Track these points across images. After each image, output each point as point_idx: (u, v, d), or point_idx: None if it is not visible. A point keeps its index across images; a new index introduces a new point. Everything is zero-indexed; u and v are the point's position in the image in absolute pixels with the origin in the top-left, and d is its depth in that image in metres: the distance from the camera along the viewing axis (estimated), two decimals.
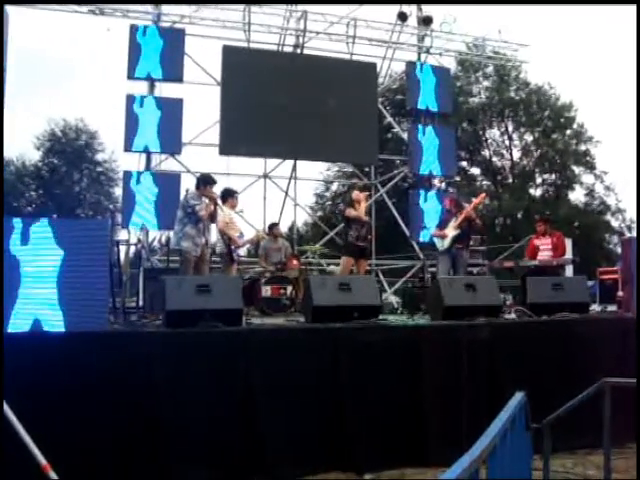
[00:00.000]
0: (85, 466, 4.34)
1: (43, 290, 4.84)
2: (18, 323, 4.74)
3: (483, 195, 10.32)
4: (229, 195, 8.83)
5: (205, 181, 7.96)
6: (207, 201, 7.82)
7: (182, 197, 7.87)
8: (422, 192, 14.88)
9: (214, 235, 8.58)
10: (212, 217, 7.95)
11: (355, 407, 5.22)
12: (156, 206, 12.30)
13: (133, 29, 12.78)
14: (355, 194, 9.07)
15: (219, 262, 8.93)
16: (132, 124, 12.43)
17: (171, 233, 10.71)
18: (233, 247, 8.48)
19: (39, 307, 4.83)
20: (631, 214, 31.28)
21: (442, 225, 9.28)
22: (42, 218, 5.00)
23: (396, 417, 5.31)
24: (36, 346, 4.48)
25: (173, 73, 12.89)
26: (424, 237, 13.87)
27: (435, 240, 9.25)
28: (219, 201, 8.15)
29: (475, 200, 9.51)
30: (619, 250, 24.41)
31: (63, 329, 4.81)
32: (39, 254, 4.86)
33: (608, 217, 31.77)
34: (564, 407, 3.64)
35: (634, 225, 30.92)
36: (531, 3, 27.67)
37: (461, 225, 8.88)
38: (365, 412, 5.21)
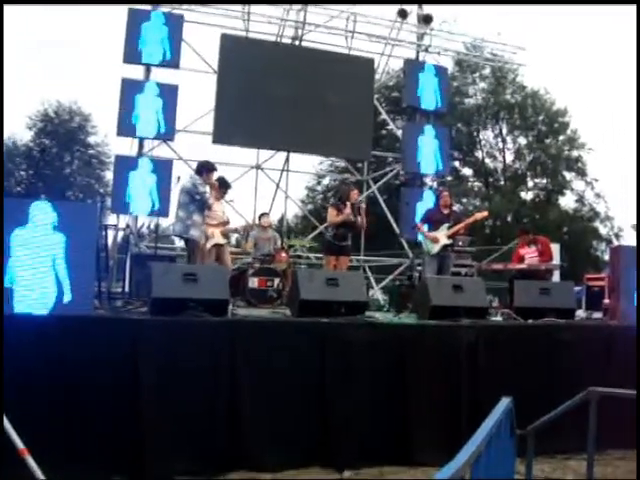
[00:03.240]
0: (65, 451, 4.32)
1: (40, 272, 4.83)
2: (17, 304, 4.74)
3: (485, 214, 10.06)
4: (221, 185, 8.75)
5: (208, 168, 7.89)
6: (208, 188, 7.79)
7: (186, 182, 7.74)
8: (414, 190, 14.87)
9: None
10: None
11: (338, 404, 5.21)
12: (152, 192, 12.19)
13: (131, 13, 12.67)
14: (353, 193, 8.83)
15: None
16: (126, 108, 12.32)
17: (160, 220, 10.68)
18: None
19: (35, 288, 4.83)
20: (619, 222, 31.47)
21: (428, 220, 8.93)
22: (43, 200, 4.97)
23: (379, 415, 5.31)
24: (18, 329, 4.43)
25: (170, 59, 12.79)
26: (414, 236, 13.81)
27: (422, 241, 8.92)
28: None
29: (477, 215, 9.31)
30: (607, 257, 24.62)
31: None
32: (38, 237, 4.84)
33: (597, 224, 31.89)
34: (550, 414, 3.64)
35: (622, 233, 31.12)
36: (530, 3, 27.59)
37: (454, 235, 8.66)
38: (348, 409, 5.20)
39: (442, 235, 8.59)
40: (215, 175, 8.06)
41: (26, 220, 4.81)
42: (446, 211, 8.92)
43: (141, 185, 12.18)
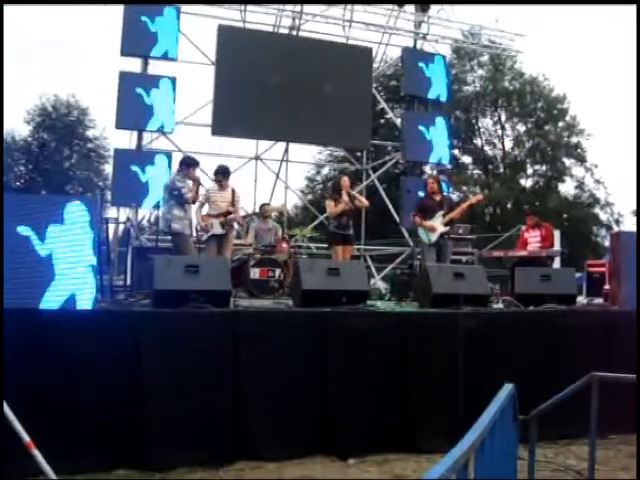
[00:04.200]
0: (68, 444, 4.33)
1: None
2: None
3: (480, 197, 10.08)
4: (217, 173, 8.81)
5: (187, 163, 8.00)
6: (189, 183, 7.84)
7: (166, 179, 7.92)
8: (414, 179, 14.85)
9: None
10: (194, 199, 7.99)
11: (341, 392, 5.23)
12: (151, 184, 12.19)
13: (128, 5, 12.63)
14: (343, 181, 8.85)
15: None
16: (124, 101, 12.30)
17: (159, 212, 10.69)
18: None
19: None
20: (619, 208, 31.52)
21: (422, 210, 8.82)
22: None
23: (382, 403, 5.33)
24: (20, 323, 4.43)
25: (167, 51, 12.76)
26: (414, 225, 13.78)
27: (420, 231, 8.79)
28: (202, 183, 8.17)
29: (472, 199, 9.33)
30: (607, 243, 24.67)
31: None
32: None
33: (597, 210, 31.93)
34: (552, 400, 3.65)
35: (622, 219, 31.18)
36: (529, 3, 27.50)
37: (450, 222, 8.63)
38: (351, 397, 5.23)
39: (438, 223, 8.54)
40: (197, 170, 8.11)
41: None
42: (437, 197, 8.85)
43: (141, 178, 12.18)
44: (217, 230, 8.46)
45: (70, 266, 4.90)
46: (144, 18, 12.54)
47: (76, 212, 4.95)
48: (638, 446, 3.75)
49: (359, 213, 12.70)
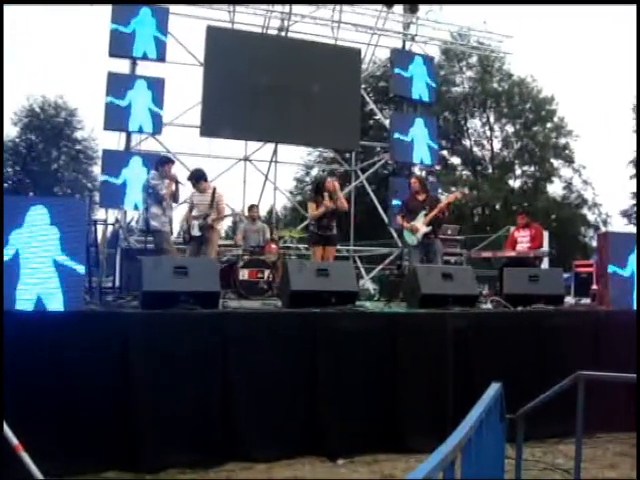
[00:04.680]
0: (62, 446, 4.32)
1: (43, 269, 4.88)
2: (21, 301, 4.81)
3: (458, 194, 10.11)
4: (190, 177, 8.81)
5: (162, 161, 8.20)
6: (166, 181, 7.92)
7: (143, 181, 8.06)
8: (402, 180, 14.86)
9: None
10: (174, 196, 8.03)
11: (331, 393, 5.23)
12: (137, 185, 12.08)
13: (116, 6, 12.59)
14: (328, 182, 8.70)
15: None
16: (113, 102, 12.24)
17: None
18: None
19: (40, 286, 4.88)
20: (607, 208, 31.76)
21: (406, 211, 8.71)
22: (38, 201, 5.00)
23: (372, 403, 5.33)
24: (11, 325, 4.41)
25: (155, 52, 12.71)
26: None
27: (404, 233, 8.73)
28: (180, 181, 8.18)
29: (450, 197, 9.34)
30: (594, 243, 24.81)
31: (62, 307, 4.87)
32: (37, 235, 4.90)
33: (585, 211, 32.14)
34: (539, 399, 3.67)
35: (610, 219, 31.40)
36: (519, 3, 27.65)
37: (431, 222, 8.44)
38: (340, 398, 5.23)
39: (420, 224, 8.43)
40: (173, 167, 8.21)
41: (22, 221, 4.83)
42: (421, 197, 8.70)
43: (128, 179, 12.13)
44: (195, 232, 8.46)
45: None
46: (132, 19, 12.48)
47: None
48: (638, 444, 3.77)
49: (347, 214, 12.64)
